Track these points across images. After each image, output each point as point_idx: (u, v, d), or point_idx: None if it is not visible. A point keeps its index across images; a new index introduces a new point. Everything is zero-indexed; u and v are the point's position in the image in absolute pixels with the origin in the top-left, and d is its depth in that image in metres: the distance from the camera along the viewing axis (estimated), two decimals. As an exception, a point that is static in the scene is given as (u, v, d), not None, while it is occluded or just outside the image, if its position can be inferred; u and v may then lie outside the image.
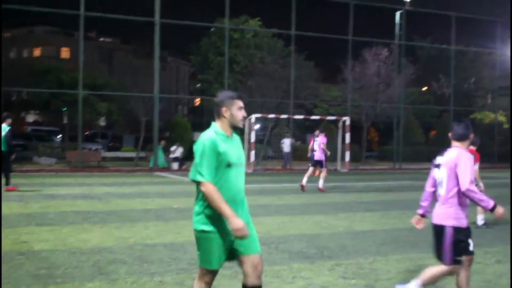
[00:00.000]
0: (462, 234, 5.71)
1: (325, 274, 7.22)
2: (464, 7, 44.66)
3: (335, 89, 46.41)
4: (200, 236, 4.67)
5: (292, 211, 13.73)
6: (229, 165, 4.70)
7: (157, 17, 32.16)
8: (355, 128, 40.19)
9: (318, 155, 19.47)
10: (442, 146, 26.97)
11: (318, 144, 19.54)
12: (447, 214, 5.70)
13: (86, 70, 34.60)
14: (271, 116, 34.19)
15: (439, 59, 53.01)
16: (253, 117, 31.27)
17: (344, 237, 10.03)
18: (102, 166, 32.04)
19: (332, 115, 41.42)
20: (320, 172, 19.46)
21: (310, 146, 20.36)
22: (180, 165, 32.74)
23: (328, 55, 47.48)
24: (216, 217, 4.59)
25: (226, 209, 4.48)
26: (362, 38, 38.19)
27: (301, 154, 39.27)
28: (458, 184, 5.57)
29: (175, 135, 38.82)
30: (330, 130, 39.77)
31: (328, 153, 20.22)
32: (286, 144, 35.68)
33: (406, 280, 6.95)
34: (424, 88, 56.59)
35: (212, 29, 46.41)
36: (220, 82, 41.46)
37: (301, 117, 35.51)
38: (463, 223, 5.72)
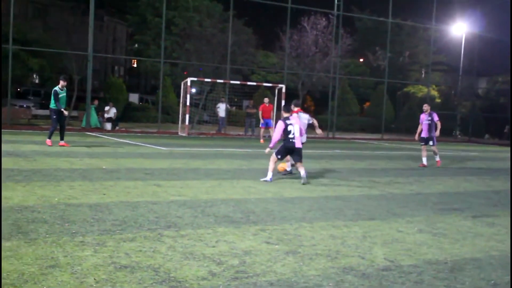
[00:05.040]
0: None
1: (249, 239, 7.21)
2: (403, -19, 45.04)
3: (273, 56, 46.44)
4: None
5: (222, 175, 13.70)
6: None
7: (93, -27, 31.30)
8: (291, 96, 40.33)
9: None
10: (376, 117, 27.06)
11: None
12: None
13: (18, 24, 33.50)
14: (208, 80, 33.94)
15: (376, 32, 53.64)
16: (189, 80, 30.99)
17: (272, 203, 10.05)
18: (32, 124, 31.27)
19: (269, 82, 41.53)
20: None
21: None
22: (113, 126, 32.29)
23: (267, 22, 47.40)
24: None
25: None
26: (301, 6, 38.17)
27: (236, 119, 39.32)
28: None
29: (109, 95, 38.18)
30: (266, 97, 39.89)
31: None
32: (222, 109, 35.61)
33: (329, 246, 7.03)
34: (361, 60, 57.19)
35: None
36: (157, 43, 40.90)
37: (237, 82, 35.38)
38: None
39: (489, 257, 6.99)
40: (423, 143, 19.33)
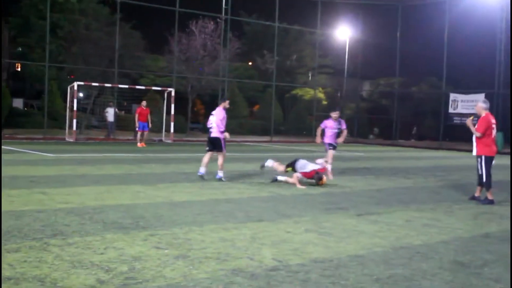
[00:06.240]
0: None
1: (139, 245, 7.18)
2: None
3: (162, 60, 46.14)
4: None
5: (111, 181, 13.52)
6: None
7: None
8: (180, 99, 40.30)
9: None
10: (265, 120, 27.39)
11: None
12: None
13: None
14: (95, 84, 33.33)
15: (264, 35, 54.41)
16: (76, 84, 30.34)
17: (162, 208, 10.02)
18: None
19: (158, 85, 41.23)
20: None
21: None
22: (-4, 133, 31.06)
23: (155, 26, 47.05)
24: None
25: None
26: (189, 10, 38.18)
27: (125, 124, 38.82)
28: None
29: (-9, 101, 36.68)
30: (155, 100, 39.63)
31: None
32: (110, 113, 35.02)
33: (218, 249, 7.10)
34: (249, 63, 57.81)
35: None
36: (42, 47, 39.70)
37: (126, 86, 34.95)
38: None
39: (372, 253, 7.28)
40: (331, 147, 17.26)
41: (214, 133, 14.50)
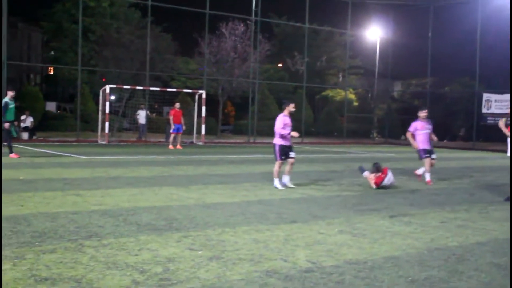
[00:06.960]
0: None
1: (172, 246, 7.20)
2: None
3: (192, 62, 46.33)
4: None
5: (144, 183, 13.60)
6: None
7: (5, -20, 30.48)
8: (211, 101, 40.44)
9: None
10: (296, 121, 27.18)
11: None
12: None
13: None
14: (127, 87, 33.61)
15: (294, 37, 54.39)
16: (108, 87, 30.60)
17: (194, 209, 10.05)
18: None
19: (189, 88, 41.44)
20: None
21: None
22: (30, 136, 31.53)
23: (185, 28, 47.26)
24: None
25: None
26: (219, 12, 38.29)
27: (156, 126, 39.06)
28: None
29: (25, 104, 37.24)
30: (186, 103, 39.81)
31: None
32: (142, 116, 35.28)
33: (252, 250, 7.10)
34: (279, 65, 57.82)
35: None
36: (75, 51, 40.20)
37: (157, 89, 35.18)
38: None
39: (406, 255, 7.21)
40: (427, 155, 15.63)
41: (274, 139, 13.87)
